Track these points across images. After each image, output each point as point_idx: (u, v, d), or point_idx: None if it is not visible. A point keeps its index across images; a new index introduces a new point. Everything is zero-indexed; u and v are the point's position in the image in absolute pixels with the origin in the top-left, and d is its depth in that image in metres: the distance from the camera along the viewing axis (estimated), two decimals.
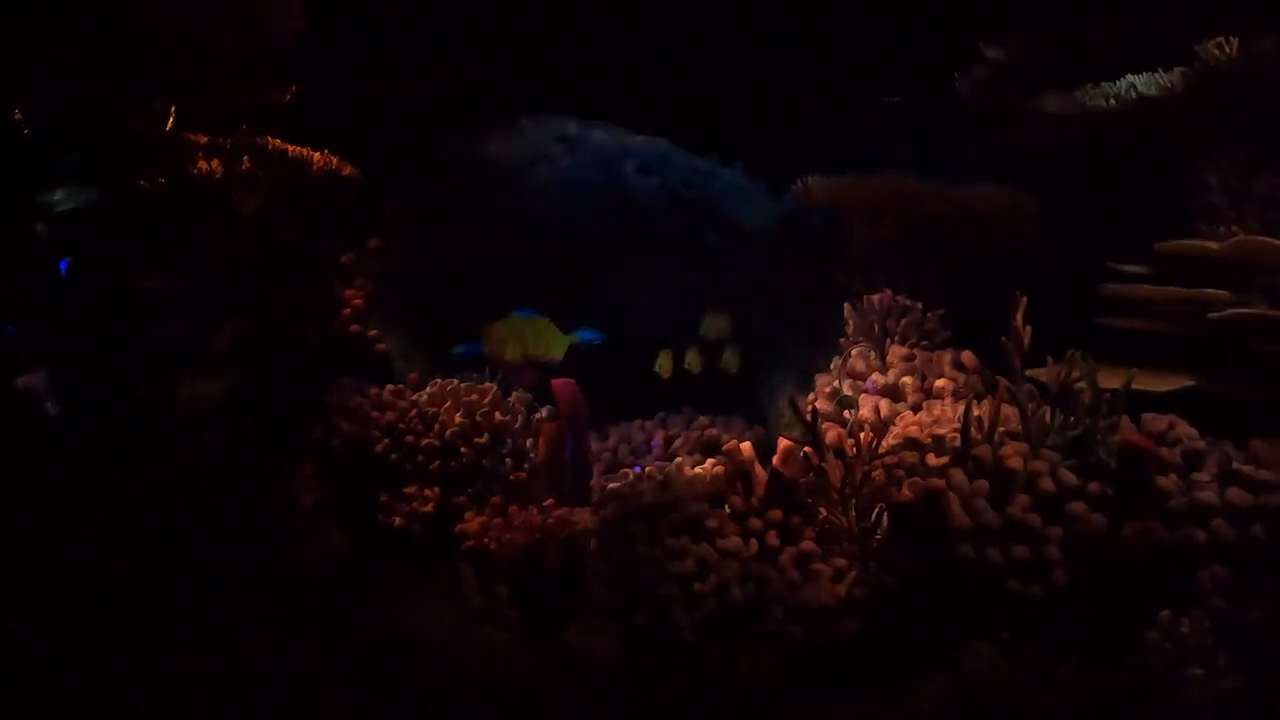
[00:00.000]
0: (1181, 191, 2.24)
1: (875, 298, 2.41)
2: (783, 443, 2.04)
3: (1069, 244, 2.46)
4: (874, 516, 1.89)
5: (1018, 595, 1.69)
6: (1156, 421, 1.98)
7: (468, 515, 2.30)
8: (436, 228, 2.67)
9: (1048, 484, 1.76)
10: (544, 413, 2.50)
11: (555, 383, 2.31)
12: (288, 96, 2.35)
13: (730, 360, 2.68)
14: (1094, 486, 1.78)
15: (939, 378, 2.24)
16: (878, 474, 1.92)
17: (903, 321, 2.37)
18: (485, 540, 2.18)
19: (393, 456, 2.41)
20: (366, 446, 2.43)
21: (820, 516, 1.94)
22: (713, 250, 2.61)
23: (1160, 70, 2.04)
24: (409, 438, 2.40)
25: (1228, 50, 1.98)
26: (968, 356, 2.31)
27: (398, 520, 2.35)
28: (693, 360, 2.66)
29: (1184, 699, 1.65)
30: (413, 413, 2.41)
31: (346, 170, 2.50)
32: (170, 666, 2.28)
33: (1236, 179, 2.15)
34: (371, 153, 2.55)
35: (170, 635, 2.40)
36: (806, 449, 1.99)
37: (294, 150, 2.40)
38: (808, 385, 2.55)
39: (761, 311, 2.61)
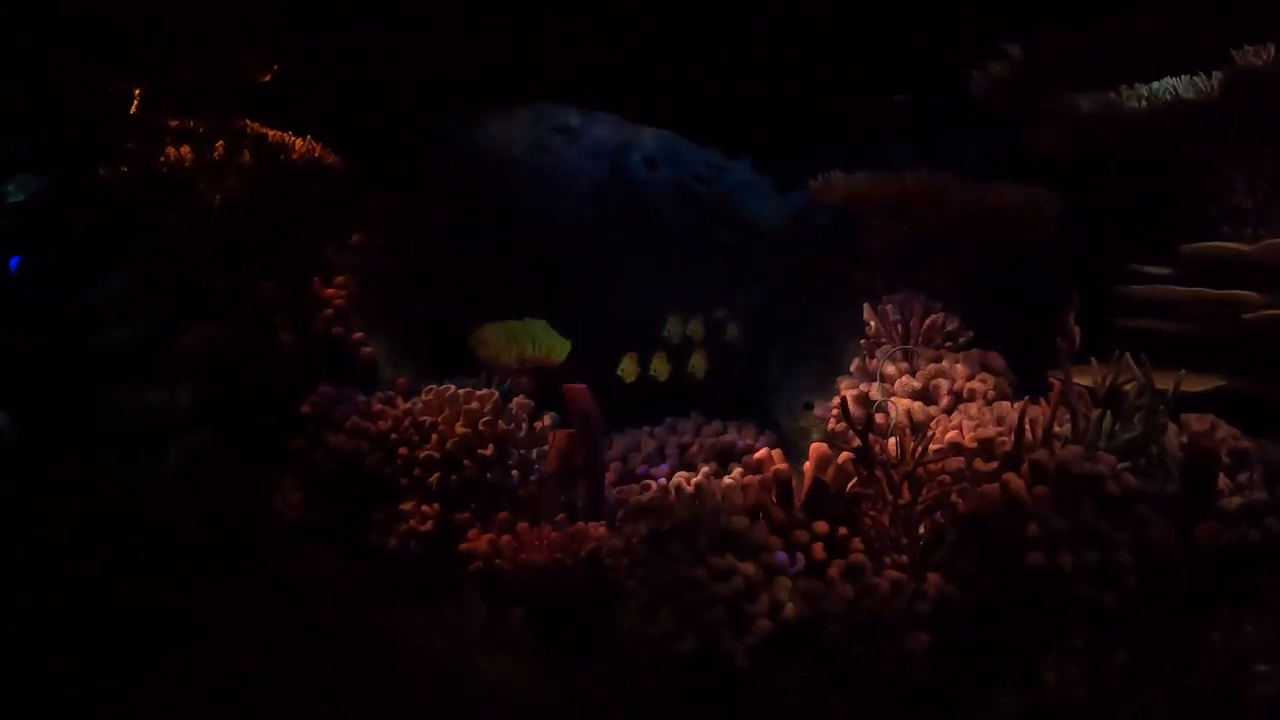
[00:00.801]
0: (1204, 194, 2.23)
1: (896, 298, 2.34)
2: (820, 449, 1.94)
3: (1084, 244, 2.43)
4: (927, 525, 1.80)
5: (1089, 602, 1.63)
6: (1199, 421, 1.96)
7: (471, 533, 2.14)
8: (425, 223, 2.50)
9: (1113, 487, 1.70)
10: (547, 420, 2.35)
11: (567, 388, 2.17)
12: (268, 76, 2.16)
13: (697, 364, 2.58)
14: (1156, 489, 1.73)
15: (968, 380, 2.18)
16: (931, 482, 1.85)
17: (926, 322, 2.30)
18: (497, 561, 2.02)
19: (385, 470, 2.23)
20: (355, 459, 2.25)
21: (867, 526, 1.84)
22: (724, 248, 2.49)
23: (1201, 74, 2.02)
24: (403, 449, 2.22)
25: (1264, 56, 1.96)
26: (993, 358, 2.26)
27: (393, 540, 2.18)
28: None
29: (1253, 697, 1.62)
30: (407, 422, 2.24)
31: (329, 159, 2.31)
32: (140, 701, 2.08)
33: (1263, 183, 2.15)
34: (356, 140, 2.36)
35: (136, 668, 2.19)
36: (846, 455, 1.90)
37: (274, 135, 2.21)
38: (821, 388, 2.47)
39: (773, 311, 2.51)
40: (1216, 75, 2.03)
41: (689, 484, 1.97)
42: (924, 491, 1.85)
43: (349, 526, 2.27)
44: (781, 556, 1.81)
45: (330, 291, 2.41)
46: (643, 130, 2.52)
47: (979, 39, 2.58)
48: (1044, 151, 2.40)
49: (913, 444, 1.89)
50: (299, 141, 2.24)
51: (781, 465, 1.96)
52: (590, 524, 2.08)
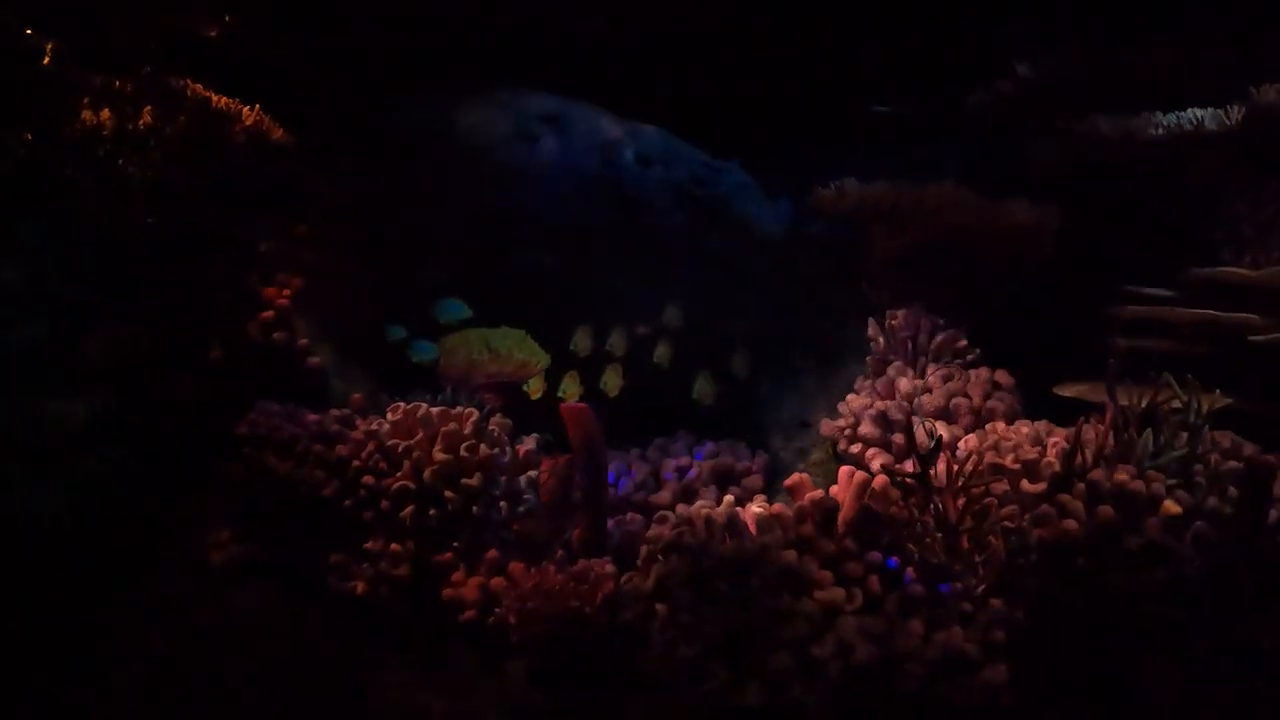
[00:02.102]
0: (1207, 220, 2.31)
1: (902, 313, 2.28)
2: (858, 474, 1.85)
3: (1077, 263, 2.46)
4: (981, 550, 1.75)
5: (1162, 620, 1.65)
6: (1222, 438, 2.01)
7: (456, 577, 1.91)
8: (383, 214, 2.23)
9: (1173, 506, 1.72)
10: (531, 443, 2.14)
11: (566, 407, 1.97)
12: (216, 30, 1.86)
13: (610, 381, 2.42)
14: (1210, 504, 1.75)
15: (985, 398, 2.15)
16: (977, 505, 1.80)
17: (936, 339, 2.25)
18: (497, 610, 1.80)
19: (346, 503, 1.97)
20: (307, 490, 1.98)
21: (913, 553, 1.77)
22: (719, 255, 2.35)
23: (1227, 106, 2.13)
24: (368, 479, 1.97)
25: None
26: (1002, 375, 2.24)
27: (359, 585, 1.92)
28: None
29: None
30: (371, 446, 1.99)
31: (277, 134, 2.02)
32: None
33: (1266, 212, 2.24)
34: (309, 114, 2.08)
35: None
36: (882, 479, 1.82)
37: (218, 101, 1.90)
38: (817, 405, 2.38)
39: (768, 324, 2.39)
40: (1238, 108, 2.12)
41: (719, 515, 1.83)
42: (967, 515, 1.80)
43: (296, 569, 1.99)
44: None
45: (270, 290, 2.11)
46: (635, 125, 2.35)
47: (962, 53, 2.60)
48: (1046, 168, 2.43)
49: (957, 466, 1.84)
50: (247, 110, 1.94)
51: (817, 492, 1.85)
52: (594, 562, 1.89)
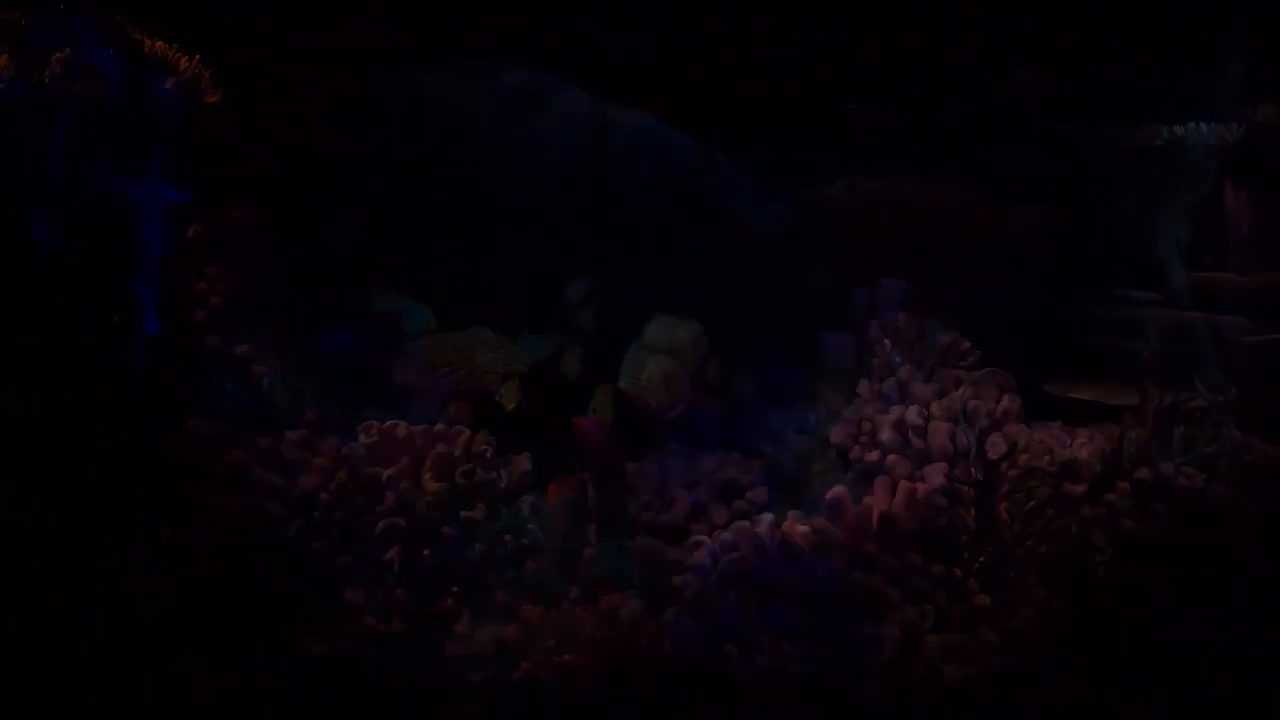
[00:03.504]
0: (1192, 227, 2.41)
1: (904, 315, 2.23)
2: (904, 486, 1.79)
3: (1065, 266, 2.51)
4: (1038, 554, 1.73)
5: (1217, 610, 1.72)
6: (1234, 433, 2.10)
7: (460, 628, 1.68)
8: (338, 196, 1.94)
9: (1216, 501, 1.80)
10: (525, 463, 1.93)
11: (580, 424, 1.78)
12: None
13: (507, 394, 2.27)
14: (1240, 497, 1.84)
15: (998, 401, 2.14)
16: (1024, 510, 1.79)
17: (941, 341, 2.21)
18: (524, 665, 1.59)
19: (314, 545, 1.70)
20: (262, 529, 1.69)
21: (968, 561, 1.73)
22: (712, 251, 2.20)
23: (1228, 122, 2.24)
24: (340, 515, 1.70)
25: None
26: (1005, 377, 2.24)
27: (340, 644, 1.65)
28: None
29: None
30: (343, 475, 1.72)
31: (212, 96, 1.70)
32: None
33: (1248, 222, 2.36)
34: (254, 74, 1.77)
35: None
36: (925, 488, 1.77)
37: (151, 46, 1.57)
38: (810, 410, 2.30)
39: (760, 325, 2.28)
40: (1237, 123, 2.24)
41: (767, 537, 1.70)
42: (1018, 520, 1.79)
43: (251, 627, 1.69)
44: None
45: (200, 285, 1.78)
46: (625, 109, 2.15)
47: (945, 55, 2.59)
48: (1041, 172, 2.46)
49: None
50: (184, 60, 1.61)
51: (866, 506, 1.76)
52: (616, 598, 1.71)
